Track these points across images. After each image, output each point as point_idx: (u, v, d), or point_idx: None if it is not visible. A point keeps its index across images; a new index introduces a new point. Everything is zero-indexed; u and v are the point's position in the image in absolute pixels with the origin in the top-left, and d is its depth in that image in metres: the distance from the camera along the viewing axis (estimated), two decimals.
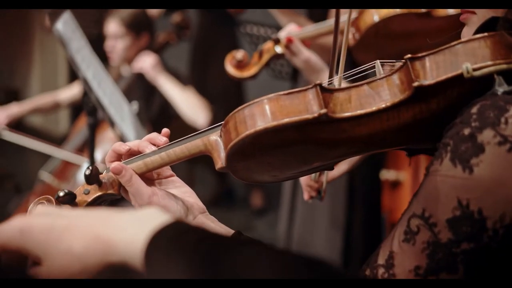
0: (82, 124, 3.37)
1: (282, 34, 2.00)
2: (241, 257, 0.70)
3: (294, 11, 2.54)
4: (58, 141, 3.60)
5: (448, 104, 0.96)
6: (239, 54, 2.06)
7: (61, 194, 1.02)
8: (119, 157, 1.12)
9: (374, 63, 1.11)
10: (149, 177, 1.13)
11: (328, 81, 1.15)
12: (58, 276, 0.78)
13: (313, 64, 1.92)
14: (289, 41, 1.94)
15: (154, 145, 1.11)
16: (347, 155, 1.12)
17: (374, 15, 1.89)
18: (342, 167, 1.71)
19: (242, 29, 4.25)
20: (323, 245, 2.80)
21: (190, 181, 3.98)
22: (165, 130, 1.13)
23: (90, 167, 1.04)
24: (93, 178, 1.05)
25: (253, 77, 2.06)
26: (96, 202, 1.06)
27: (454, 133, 0.92)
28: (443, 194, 0.92)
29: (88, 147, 2.54)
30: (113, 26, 3.34)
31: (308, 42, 1.99)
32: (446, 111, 0.96)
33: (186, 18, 3.65)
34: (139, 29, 3.38)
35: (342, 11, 1.03)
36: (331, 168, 1.17)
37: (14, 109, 3.48)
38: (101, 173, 1.08)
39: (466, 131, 0.91)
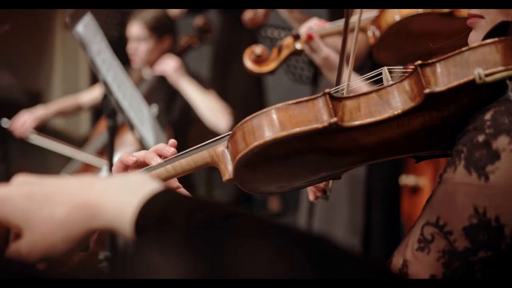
0: (103, 127, 3.39)
1: (303, 30, 1.99)
2: (235, 230, 0.68)
3: (306, 16, 2.53)
4: (79, 143, 3.62)
5: (459, 111, 0.95)
6: (258, 49, 2.06)
7: None
8: (126, 168, 1.10)
9: (381, 70, 1.09)
10: None
11: (335, 89, 1.14)
12: (40, 245, 0.76)
13: (332, 61, 1.91)
14: (309, 37, 1.93)
15: (161, 156, 1.09)
16: (356, 164, 1.10)
17: (396, 14, 1.88)
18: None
19: (263, 33, 4.24)
20: None
21: (209, 185, 3.98)
22: (172, 141, 1.12)
23: None
24: None
25: (271, 72, 2.06)
26: None
27: (468, 140, 0.91)
28: (459, 202, 0.91)
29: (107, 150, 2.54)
30: (136, 28, 3.34)
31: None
32: (456, 117, 0.95)
33: (209, 21, 3.66)
34: (161, 31, 3.38)
35: (355, 12, 1.02)
36: (339, 177, 1.15)
37: (41, 112, 3.49)
38: None
39: (480, 138, 0.90)
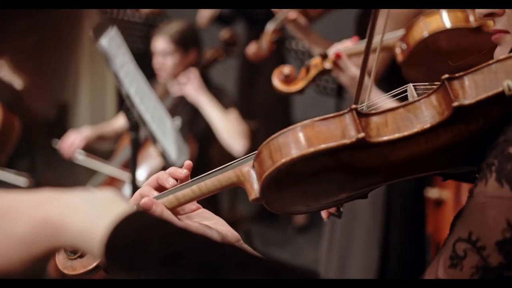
0: (128, 140, 3.39)
1: (331, 50, 2.00)
2: (211, 259, 0.66)
3: (326, 40, 2.54)
4: (103, 156, 3.64)
5: (488, 124, 0.94)
6: (286, 69, 2.07)
7: None
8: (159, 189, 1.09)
9: (407, 86, 1.08)
10: (176, 212, 1.09)
11: (362, 105, 1.12)
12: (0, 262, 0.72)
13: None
14: (337, 56, 1.94)
15: (174, 179, 1.08)
16: (384, 182, 1.08)
17: (424, 30, 1.88)
18: None
19: (288, 45, 4.24)
20: (359, 263, 2.75)
21: (233, 198, 3.98)
22: (187, 163, 1.11)
23: None
24: None
25: (300, 92, 2.07)
26: None
27: (499, 152, 0.89)
28: (491, 216, 0.88)
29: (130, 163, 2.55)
30: (162, 43, 3.34)
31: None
32: (485, 131, 0.94)
33: (235, 34, 3.66)
34: (187, 45, 3.38)
35: (378, 30, 1.01)
36: (365, 196, 1.13)
37: (87, 132, 3.49)
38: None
39: None
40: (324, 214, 1.58)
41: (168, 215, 1.03)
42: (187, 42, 3.38)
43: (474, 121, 0.93)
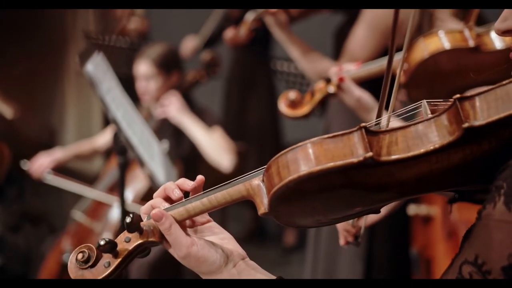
0: (114, 163, 3.40)
1: (332, 72, 2.03)
2: None
3: (300, 40, 2.57)
4: (92, 180, 3.64)
5: (501, 145, 0.92)
6: (292, 94, 2.11)
7: (102, 243, 1.00)
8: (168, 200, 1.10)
9: (421, 103, 1.06)
10: (185, 224, 1.10)
11: (376, 121, 1.10)
12: None
13: (365, 103, 1.94)
14: (341, 80, 1.98)
15: (182, 190, 1.09)
16: (394, 199, 1.07)
17: (423, 51, 1.90)
18: (381, 212, 1.66)
19: (273, 66, 4.27)
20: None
21: (223, 218, 3.97)
22: (200, 177, 1.11)
23: (131, 215, 1.01)
24: (134, 226, 1.02)
25: (306, 116, 2.10)
26: (137, 250, 1.04)
27: (508, 175, 0.88)
28: (497, 241, 0.87)
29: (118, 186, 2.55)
30: (144, 67, 3.36)
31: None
32: (498, 152, 0.92)
33: (216, 55, 3.69)
34: (169, 68, 3.40)
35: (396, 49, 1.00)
36: (378, 212, 1.12)
37: (59, 154, 3.52)
38: (142, 221, 1.06)
39: None
40: (342, 241, 1.59)
41: (176, 229, 1.03)
42: (169, 65, 3.40)
43: (486, 141, 0.92)
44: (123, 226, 1.03)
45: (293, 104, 2.11)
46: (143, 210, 1.09)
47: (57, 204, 4.28)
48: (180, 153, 3.35)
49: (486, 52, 1.85)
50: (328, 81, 2.03)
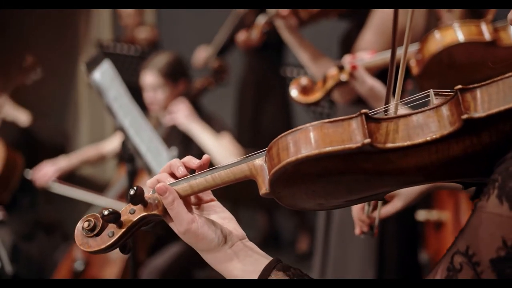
0: (124, 171, 3.41)
1: (346, 60, 2.02)
2: None
3: (310, 43, 2.56)
4: (104, 188, 3.66)
5: (502, 138, 0.91)
6: (304, 80, 2.10)
7: (106, 213, 1.03)
8: (173, 176, 1.12)
9: (428, 92, 1.06)
10: (189, 201, 1.12)
11: (382, 108, 1.11)
12: None
13: (377, 92, 1.94)
14: (354, 68, 1.97)
15: (187, 168, 1.11)
16: (395, 187, 1.07)
17: (438, 44, 1.89)
18: (396, 203, 1.62)
19: (282, 73, 4.27)
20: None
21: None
22: (206, 157, 1.13)
23: (135, 187, 1.04)
24: (137, 198, 1.04)
25: (317, 103, 2.10)
26: (141, 222, 1.06)
27: (503, 168, 0.88)
28: (488, 233, 0.87)
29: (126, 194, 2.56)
30: (150, 78, 3.36)
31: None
32: (499, 144, 0.91)
33: (223, 62, 3.70)
34: (176, 76, 3.40)
35: (400, 39, 1.00)
36: (382, 199, 1.12)
37: (63, 163, 3.53)
38: (146, 194, 1.08)
39: None
40: (357, 230, 1.58)
41: (178, 204, 1.05)
42: (176, 74, 3.41)
43: (487, 134, 0.91)
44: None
45: (305, 90, 2.10)
46: (148, 184, 1.11)
47: (71, 212, 4.30)
48: None
49: (503, 47, 1.84)
50: (341, 68, 2.02)
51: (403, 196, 1.60)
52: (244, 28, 4.34)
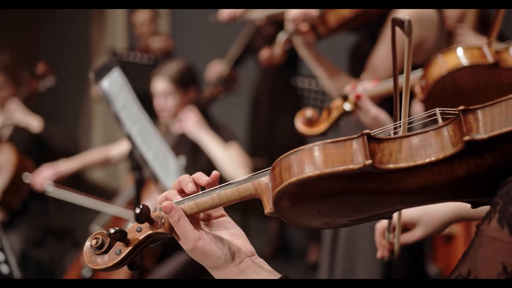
0: (132, 179, 3.42)
1: (348, 89, 2.03)
2: None
3: (326, 58, 2.56)
4: (109, 195, 3.67)
5: (506, 160, 0.90)
6: (309, 112, 2.11)
7: (112, 231, 1.04)
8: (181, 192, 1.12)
9: (434, 111, 1.05)
10: (197, 217, 1.13)
11: (386, 128, 1.10)
12: None
13: (382, 121, 1.94)
14: (358, 97, 1.97)
15: (197, 184, 1.11)
16: (402, 206, 1.06)
17: (442, 69, 1.89)
18: (416, 232, 1.61)
19: (294, 83, 4.27)
20: None
21: (246, 235, 3.97)
22: (215, 173, 1.13)
23: (141, 206, 1.04)
24: (142, 216, 1.05)
25: (323, 134, 2.09)
26: (147, 240, 1.07)
27: (505, 192, 0.87)
28: (489, 257, 0.87)
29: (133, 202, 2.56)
30: (161, 84, 3.38)
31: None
32: (505, 165, 0.90)
33: (233, 71, 3.71)
34: (187, 84, 3.41)
35: (400, 63, 0.99)
36: (389, 217, 1.11)
37: (62, 166, 3.54)
38: (152, 212, 1.08)
39: None
40: (379, 253, 1.60)
41: (184, 222, 1.06)
42: (186, 81, 3.41)
43: (490, 155, 0.90)
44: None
45: (310, 122, 2.11)
46: (158, 200, 1.11)
47: (81, 219, 4.32)
48: (197, 168, 3.35)
49: (506, 69, 1.83)
50: (344, 98, 2.02)
51: (423, 225, 1.60)
52: (260, 39, 4.34)
